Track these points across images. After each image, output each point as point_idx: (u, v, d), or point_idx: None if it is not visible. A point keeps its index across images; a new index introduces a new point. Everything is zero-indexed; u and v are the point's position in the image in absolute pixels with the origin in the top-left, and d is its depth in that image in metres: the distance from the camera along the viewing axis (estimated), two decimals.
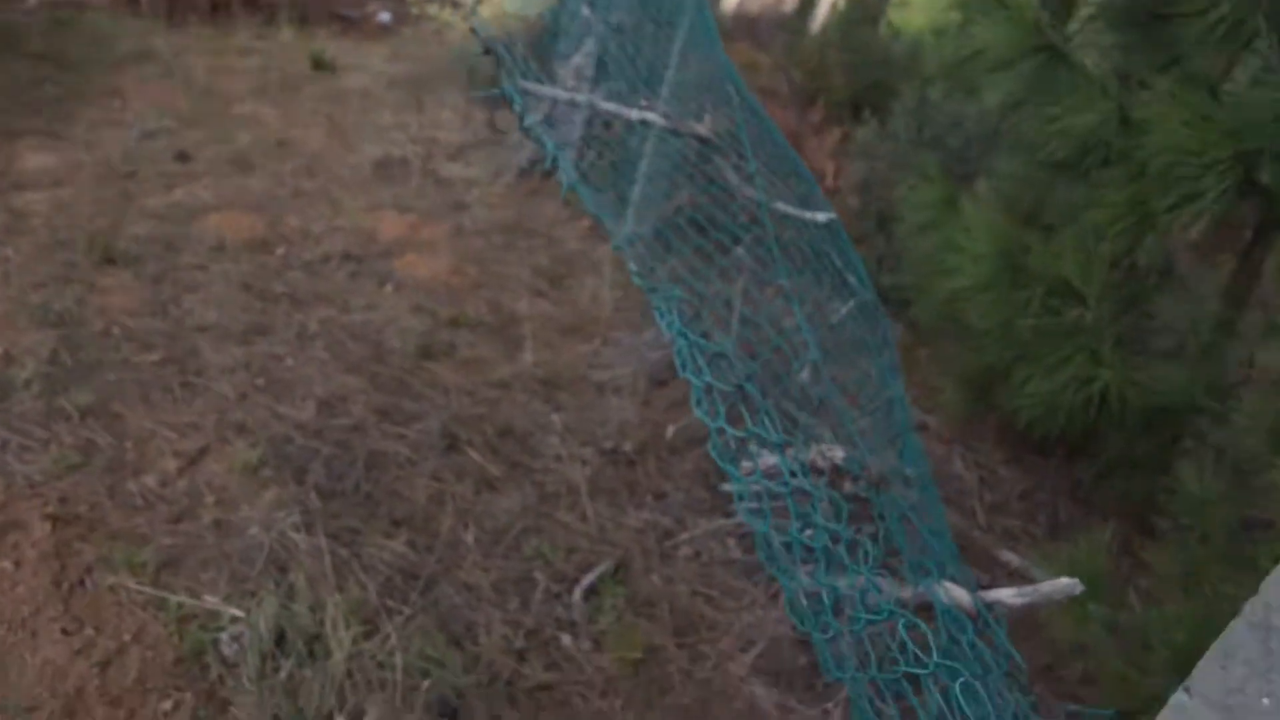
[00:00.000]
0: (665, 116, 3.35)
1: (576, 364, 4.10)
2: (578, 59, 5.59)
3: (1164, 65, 3.45)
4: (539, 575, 2.98)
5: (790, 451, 2.14)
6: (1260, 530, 2.60)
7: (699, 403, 1.95)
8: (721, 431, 1.87)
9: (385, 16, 8.75)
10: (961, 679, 1.40)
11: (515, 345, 4.16)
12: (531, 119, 2.84)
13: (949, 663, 1.47)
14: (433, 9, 8.55)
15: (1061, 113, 3.32)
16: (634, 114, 3.38)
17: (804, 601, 1.86)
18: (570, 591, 2.95)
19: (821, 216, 3.02)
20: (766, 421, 1.79)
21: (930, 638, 1.51)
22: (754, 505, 2.12)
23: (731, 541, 3.30)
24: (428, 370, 3.82)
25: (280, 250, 4.48)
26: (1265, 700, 1.75)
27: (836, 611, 1.83)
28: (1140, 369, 3.22)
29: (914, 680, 1.80)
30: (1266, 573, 2.48)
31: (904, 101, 5.06)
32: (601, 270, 4.82)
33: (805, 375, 2.85)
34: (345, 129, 6.05)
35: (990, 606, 2.01)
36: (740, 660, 2.84)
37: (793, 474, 1.78)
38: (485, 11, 7.93)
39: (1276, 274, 3.55)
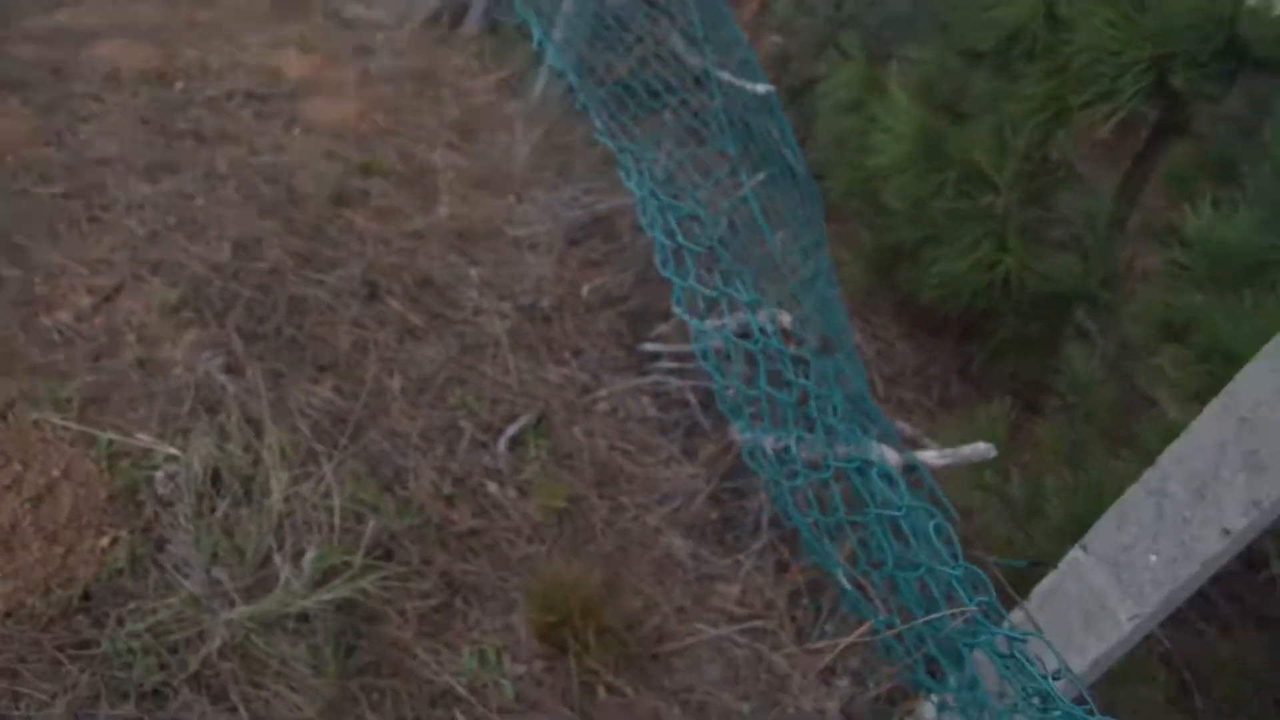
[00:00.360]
0: None
1: (492, 219, 4.08)
2: None
3: None
4: (464, 424, 3.03)
5: (772, 313, 2.23)
6: (1145, 410, 2.84)
7: (665, 263, 2.00)
8: (689, 290, 1.93)
9: None
10: (934, 520, 1.53)
11: (429, 197, 4.11)
12: None
13: (920, 505, 1.61)
14: None
15: (993, 2, 3.41)
16: None
17: (769, 452, 1.97)
18: (495, 441, 3.02)
19: (760, 88, 3.06)
20: (738, 282, 1.87)
21: (902, 486, 1.64)
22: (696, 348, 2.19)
23: (646, 400, 3.41)
24: (343, 217, 3.75)
25: (179, 84, 4.27)
26: (1153, 558, 1.97)
27: (788, 462, 1.95)
28: (1040, 257, 3.42)
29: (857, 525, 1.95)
30: (1147, 449, 2.73)
31: None
32: (514, 126, 4.75)
33: (727, 236, 2.93)
34: None
35: (916, 465, 2.17)
36: (657, 512, 2.98)
37: (762, 332, 1.86)
38: None
39: (1164, 179, 3.76)
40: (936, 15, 4.20)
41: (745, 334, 2.22)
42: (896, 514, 1.61)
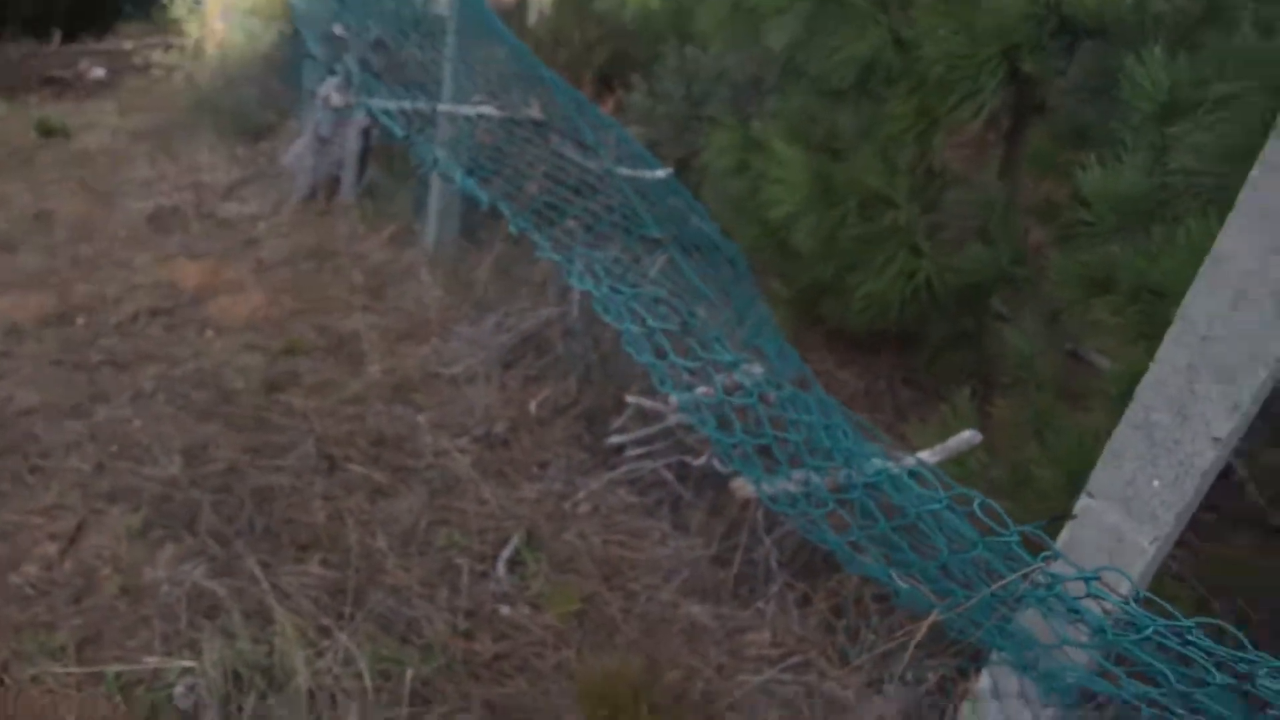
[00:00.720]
0: (500, 108, 3.44)
1: (424, 365, 4.11)
2: (344, 73, 5.53)
3: None
4: (459, 561, 3.01)
5: (746, 368, 2.28)
6: (1087, 364, 2.98)
7: (640, 350, 2.05)
8: (673, 366, 1.98)
9: (99, 72, 8.32)
10: (979, 500, 1.58)
11: (356, 360, 4.12)
12: (405, 132, 2.86)
13: (957, 491, 1.65)
14: (156, 55, 8.18)
15: (841, 44, 3.63)
16: (468, 110, 3.45)
17: (790, 490, 2.01)
18: (494, 568, 3.00)
19: (660, 173, 3.19)
20: (716, 346, 1.93)
21: (933, 481, 1.69)
22: (693, 419, 2.22)
23: (623, 491, 3.42)
24: (280, 402, 3.74)
25: (81, 320, 4.25)
26: (1156, 483, 2.05)
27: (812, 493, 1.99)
28: (950, 255, 3.57)
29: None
30: (1108, 394, 2.84)
31: (667, 63, 5.30)
32: (417, 275, 4.82)
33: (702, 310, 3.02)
34: (102, 190, 5.75)
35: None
36: (668, 589, 2.98)
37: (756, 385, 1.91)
38: (209, 45, 7.69)
39: (1029, 160, 3.99)
40: (783, 69, 4.42)
41: (730, 391, 2.27)
42: (938, 506, 1.65)
